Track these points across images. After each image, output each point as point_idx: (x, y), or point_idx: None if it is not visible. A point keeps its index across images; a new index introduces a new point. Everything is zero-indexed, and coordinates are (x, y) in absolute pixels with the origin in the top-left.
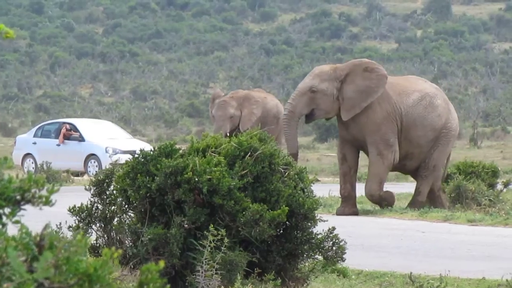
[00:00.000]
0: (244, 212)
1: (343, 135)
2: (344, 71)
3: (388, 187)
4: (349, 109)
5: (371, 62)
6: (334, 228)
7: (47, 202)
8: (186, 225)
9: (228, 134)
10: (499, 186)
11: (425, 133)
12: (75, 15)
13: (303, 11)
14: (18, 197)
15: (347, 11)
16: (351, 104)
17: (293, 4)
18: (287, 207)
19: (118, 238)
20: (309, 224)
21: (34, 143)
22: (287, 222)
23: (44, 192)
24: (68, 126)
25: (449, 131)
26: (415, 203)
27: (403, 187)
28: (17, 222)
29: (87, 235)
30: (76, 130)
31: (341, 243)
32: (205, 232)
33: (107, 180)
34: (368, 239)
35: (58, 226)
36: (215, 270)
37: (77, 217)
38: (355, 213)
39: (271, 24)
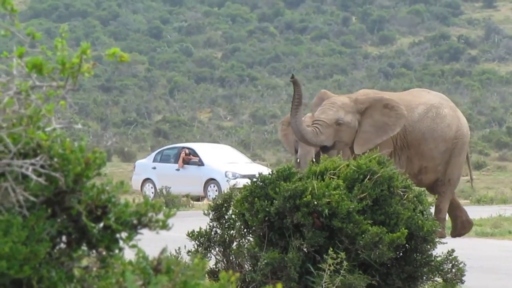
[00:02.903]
0: (363, 235)
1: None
2: (364, 105)
3: (507, 209)
4: (363, 143)
5: (392, 100)
6: (453, 251)
7: (164, 226)
8: (305, 249)
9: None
10: None
11: (437, 145)
12: (193, 40)
13: (421, 34)
14: (135, 221)
15: (465, 34)
16: (365, 138)
17: (412, 27)
18: (406, 230)
19: (237, 262)
20: (429, 246)
21: (154, 168)
22: (406, 245)
23: (161, 216)
24: (187, 150)
25: (460, 139)
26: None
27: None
28: (134, 246)
29: (206, 259)
30: (195, 154)
31: (460, 265)
32: (324, 255)
33: (225, 205)
34: (487, 261)
35: (177, 251)
36: None
37: (196, 241)
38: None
39: (390, 47)
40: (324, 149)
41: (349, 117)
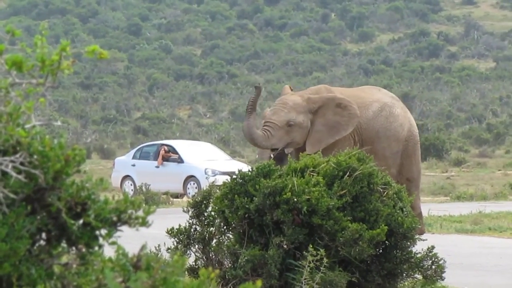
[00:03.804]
0: (343, 232)
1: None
2: (316, 104)
3: (487, 205)
4: (315, 143)
5: (344, 99)
6: (433, 247)
7: (144, 223)
8: (285, 246)
9: None
10: None
11: (389, 144)
12: (173, 37)
13: (401, 31)
14: (115, 218)
15: (445, 31)
16: (318, 137)
17: (391, 24)
18: (386, 227)
19: (217, 259)
20: (408, 243)
21: (133, 165)
22: (386, 242)
23: (140, 213)
24: (166, 148)
25: (411, 140)
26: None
27: (502, 206)
28: (113, 243)
29: (186, 256)
30: (175, 151)
31: (440, 262)
32: (304, 252)
33: (205, 202)
34: (467, 258)
35: (157, 248)
36: None
37: (176, 238)
38: None
39: (369, 44)
40: (276, 149)
41: (301, 117)
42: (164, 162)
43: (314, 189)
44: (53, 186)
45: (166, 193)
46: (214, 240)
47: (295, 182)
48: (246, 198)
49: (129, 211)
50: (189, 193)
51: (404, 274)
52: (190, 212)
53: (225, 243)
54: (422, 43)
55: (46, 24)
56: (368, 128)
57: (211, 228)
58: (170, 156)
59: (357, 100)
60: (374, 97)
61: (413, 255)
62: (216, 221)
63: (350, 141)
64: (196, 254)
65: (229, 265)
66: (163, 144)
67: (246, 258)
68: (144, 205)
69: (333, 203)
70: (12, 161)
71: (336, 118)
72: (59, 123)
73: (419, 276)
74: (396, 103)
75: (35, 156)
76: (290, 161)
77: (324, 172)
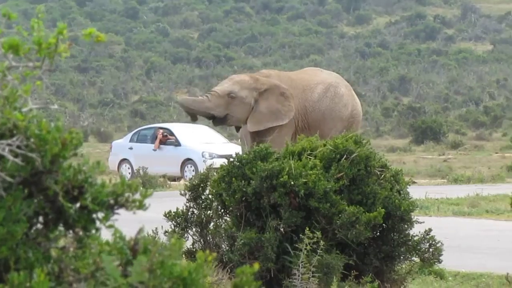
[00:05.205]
0: (340, 215)
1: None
2: (264, 86)
3: (484, 188)
4: (255, 123)
5: (288, 91)
6: (430, 230)
7: (141, 206)
8: (282, 229)
9: None
10: None
11: (335, 125)
12: (170, 20)
13: (398, 14)
14: (112, 202)
15: (441, 13)
16: (258, 118)
17: (388, 7)
18: (383, 209)
19: (214, 242)
20: (406, 226)
21: (130, 148)
22: (383, 225)
23: (137, 197)
24: (163, 131)
25: (356, 118)
26: None
27: (499, 188)
28: (111, 226)
29: (183, 239)
30: (172, 134)
31: (437, 245)
32: (301, 235)
33: (202, 185)
34: (465, 241)
35: (154, 231)
36: (312, 273)
37: (173, 222)
38: None
39: (366, 27)
40: (217, 121)
41: (244, 92)
42: (162, 146)
43: (311, 172)
44: (50, 169)
45: (163, 176)
46: (212, 223)
47: (292, 165)
48: (243, 181)
49: (126, 194)
50: (186, 176)
51: (402, 257)
52: (187, 195)
53: (222, 226)
54: (418, 25)
55: (43, 8)
56: (314, 110)
57: (209, 211)
58: (167, 139)
59: (303, 83)
60: (318, 78)
61: (410, 238)
62: (214, 204)
63: (292, 127)
64: (194, 237)
65: (226, 248)
66: (160, 128)
67: (243, 241)
68: (141, 188)
69: (330, 186)
70: (9, 145)
71: (278, 105)
72: (56, 106)
73: (417, 259)
74: (340, 82)
75: (32, 140)
76: (287, 144)
77: (321, 155)
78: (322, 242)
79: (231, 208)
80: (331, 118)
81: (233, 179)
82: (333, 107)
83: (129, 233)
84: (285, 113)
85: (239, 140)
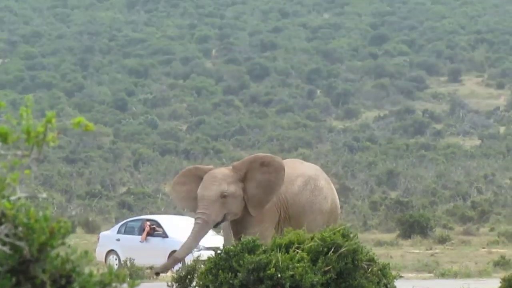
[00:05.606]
0: None
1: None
2: (242, 170)
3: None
4: (257, 205)
5: (266, 156)
6: None
7: None
8: None
9: None
10: None
11: (315, 218)
12: (158, 112)
13: (386, 108)
14: None
15: (430, 108)
16: (257, 200)
17: (377, 101)
18: None
19: None
20: None
21: (118, 239)
22: None
23: (125, 287)
24: (150, 223)
25: (334, 212)
26: None
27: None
28: None
29: None
30: (159, 226)
31: None
32: None
33: (189, 276)
34: None
35: None
36: None
37: None
38: None
39: (354, 121)
40: (216, 224)
41: (232, 187)
42: (148, 237)
43: (298, 265)
44: (38, 258)
45: (150, 268)
46: None
47: (279, 257)
48: (230, 273)
49: (114, 284)
50: (173, 268)
51: None
52: (174, 287)
53: None
54: (407, 120)
55: (31, 97)
56: (294, 203)
57: None
58: (155, 230)
59: None
60: (298, 171)
61: None
62: None
63: (276, 216)
64: None
65: None
66: (147, 219)
67: None
68: (128, 279)
69: (317, 279)
70: None
71: (265, 176)
72: (44, 195)
73: None
74: (320, 175)
75: (20, 228)
76: (275, 237)
77: (308, 248)
78: None
79: None
80: (311, 211)
81: (220, 271)
82: (313, 199)
83: None
84: (275, 178)
85: (222, 231)
